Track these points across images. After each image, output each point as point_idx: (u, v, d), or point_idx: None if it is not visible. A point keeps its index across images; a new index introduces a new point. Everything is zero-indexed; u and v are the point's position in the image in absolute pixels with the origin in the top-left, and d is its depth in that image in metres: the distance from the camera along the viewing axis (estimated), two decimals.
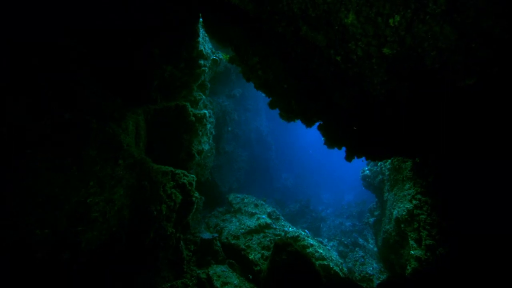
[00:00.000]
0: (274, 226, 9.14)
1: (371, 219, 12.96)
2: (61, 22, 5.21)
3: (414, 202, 8.35)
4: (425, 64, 3.69)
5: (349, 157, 7.89)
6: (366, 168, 12.38)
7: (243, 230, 8.92)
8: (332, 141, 7.97)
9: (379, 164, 11.70)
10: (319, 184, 31.62)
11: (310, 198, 24.44)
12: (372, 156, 7.08)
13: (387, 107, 5.15)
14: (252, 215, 9.77)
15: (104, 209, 3.72)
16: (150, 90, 7.96)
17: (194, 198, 7.40)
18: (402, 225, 8.95)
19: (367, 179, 11.79)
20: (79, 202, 3.50)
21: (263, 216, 9.50)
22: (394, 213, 9.56)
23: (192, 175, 7.52)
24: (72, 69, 5.65)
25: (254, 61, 7.76)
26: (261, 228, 8.90)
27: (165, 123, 8.40)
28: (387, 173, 10.47)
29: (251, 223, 9.21)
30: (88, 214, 3.50)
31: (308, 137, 39.11)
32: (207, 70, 9.76)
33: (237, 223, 9.53)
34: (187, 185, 7.23)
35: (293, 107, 7.91)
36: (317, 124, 8.59)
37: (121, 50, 6.77)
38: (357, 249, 11.24)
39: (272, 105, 8.68)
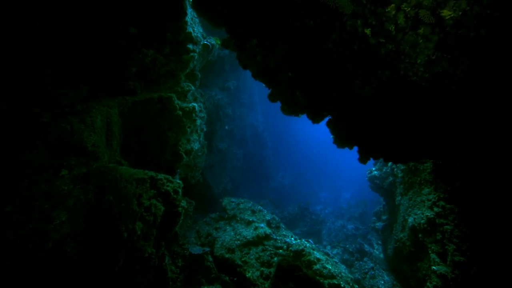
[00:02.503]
0: (275, 237, 7.98)
1: (378, 224, 11.92)
2: None
3: (435, 209, 7.24)
4: None
5: (363, 159, 6.74)
6: (373, 168, 11.28)
7: (238, 242, 7.73)
8: (343, 139, 6.79)
9: (389, 164, 10.61)
10: (316, 182, 30.64)
11: (308, 197, 23.42)
12: (394, 157, 5.93)
13: (429, 96, 3.96)
14: (249, 223, 8.58)
15: None
16: (127, 78, 6.63)
17: (180, 209, 6.16)
18: (419, 235, 7.87)
19: (375, 181, 10.70)
20: None
21: (262, 225, 8.32)
22: (409, 220, 8.47)
23: (177, 181, 6.26)
24: (15, 46, 4.29)
25: (252, 44, 6.50)
26: (260, 240, 7.72)
27: (146, 118, 7.09)
28: (400, 174, 9.37)
29: (248, 233, 8.02)
30: None
31: (308, 133, 38.04)
32: (197, 57, 8.46)
33: (232, 233, 8.33)
34: (172, 194, 5.98)
35: (298, 99, 6.68)
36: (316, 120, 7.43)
37: (87, 24, 5.42)
38: (365, 259, 10.19)
39: (272, 98, 7.43)
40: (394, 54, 3.71)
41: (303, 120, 28.59)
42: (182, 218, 6.51)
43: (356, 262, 10.51)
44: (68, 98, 4.93)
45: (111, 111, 5.88)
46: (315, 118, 6.81)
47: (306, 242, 8.13)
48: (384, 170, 10.54)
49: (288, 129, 30.87)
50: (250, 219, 8.70)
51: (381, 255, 12.19)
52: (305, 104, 6.73)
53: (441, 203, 7.10)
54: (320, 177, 32.45)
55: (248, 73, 18.17)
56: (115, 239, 3.94)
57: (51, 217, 2.84)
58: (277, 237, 8.03)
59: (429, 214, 7.39)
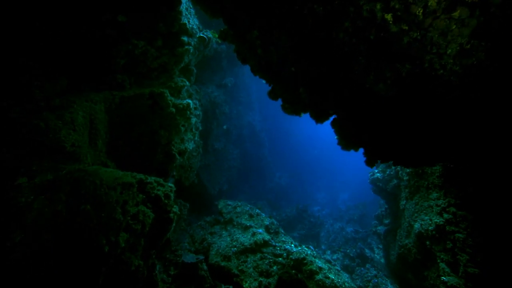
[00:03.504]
0: (274, 243, 7.49)
1: (380, 228, 11.50)
2: None
3: (445, 216, 6.80)
4: None
5: (370, 162, 6.25)
6: (376, 170, 10.84)
7: (235, 249, 7.22)
8: (349, 140, 6.29)
9: (393, 166, 10.16)
10: (313, 182, 30.23)
11: (305, 198, 23.00)
12: (406, 161, 5.47)
13: (454, 92, 3.48)
14: (246, 228, 8.08)
15: None
16: (115, 71, 6.05)
17: (172, 215, 5.63)
18: (427, 242, 7.43)
19: (378, 184, 10.25)
20: None
21: (260, 231, 7.82)
22: (415, 226, 8.04)
23: (169, 185, 5.73)
24: None
25: (253, 36, 5.96)
26: (258, 247, 7.23)
27: (136, 115, 6.53)
28: (405, 177, 8.93)
29: (245, 239, 7.52)
30: None
31: (306, 133, 37.57)
32: (192, 50, 7.90)
33: (228, 238, 7.82)
34: (163, 198, 5.44)
35: (301, 96, 6.17)
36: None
37: (68, 7, 4.83)
38: (367, 265, 9.76)
39: (273, 95, 6.90)
40: (419, 43, 3.21)
41: (301, 120, 28.15)
42: (174, 225, 5.97)
43: (357, 268, 10.08)
44: (43, 90, 4.35)
45: (96, 107, 5.31)
46: (319, 117, 6.30)
47: (307, 249, 7.66)
48: (387, 172, 10.10)
49: (285, 129, 30.42)
50: (248, 224, 8.20)
51: (382, 260, 11.78)
52: (308, 102, 6.22)
53: (452, 209, 6.66)
54: (317, 177, 32.08)
55: (246, 70, 17.60)
56: (93, 255, 3.39)
57: None
58: (277, 244, 7.54)
59: (438, 221, 6.94)
